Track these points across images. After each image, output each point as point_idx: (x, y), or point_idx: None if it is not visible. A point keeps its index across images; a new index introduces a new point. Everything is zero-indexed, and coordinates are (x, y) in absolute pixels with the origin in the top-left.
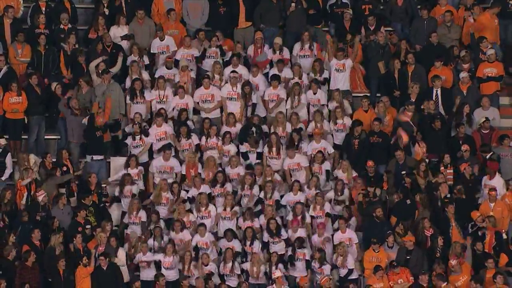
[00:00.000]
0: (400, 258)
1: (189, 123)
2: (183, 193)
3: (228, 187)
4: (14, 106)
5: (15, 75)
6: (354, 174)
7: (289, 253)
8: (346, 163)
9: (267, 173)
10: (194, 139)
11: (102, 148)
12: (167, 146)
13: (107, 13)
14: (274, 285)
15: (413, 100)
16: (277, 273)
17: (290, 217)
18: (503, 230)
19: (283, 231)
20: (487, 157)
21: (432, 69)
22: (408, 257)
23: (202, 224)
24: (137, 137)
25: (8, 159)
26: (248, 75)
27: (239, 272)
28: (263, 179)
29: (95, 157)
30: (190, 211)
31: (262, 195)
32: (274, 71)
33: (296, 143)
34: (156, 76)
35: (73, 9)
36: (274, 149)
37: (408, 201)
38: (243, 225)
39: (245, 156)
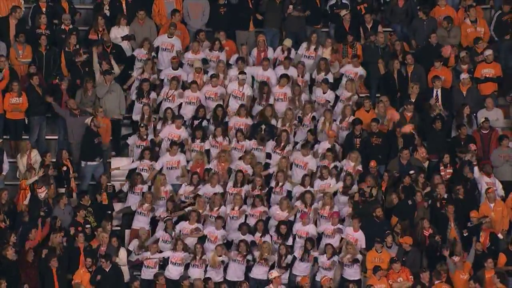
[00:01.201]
0: (399, 258)
1: (205, 122)
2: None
3: (246, 188)
4: (15, 107)
5: (16, 76)
6: (360, 167)
7: (298, 256)
8: (355, 154)
9: (282, 164)
10: (207, 144)
11: (98, 153)
12: (174, 142)
13: (108, 14)
14: (271, 285)
15: (413, 100)
16: (274, 273)
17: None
18: (503, 229)
19: (290, 239)
20: (465, 158)
21: (432, 69)
22: (405, 258)
23: (221, 217)
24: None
25: (4, 157)
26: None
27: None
28: (278, 168)
29: (90, 163)
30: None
31: (272, 184)
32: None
33: (312, 145)
34: (162, 77)
35: (71, 9)
36: (282, 144)
37: (410, 202)
38: (253, 212)
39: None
